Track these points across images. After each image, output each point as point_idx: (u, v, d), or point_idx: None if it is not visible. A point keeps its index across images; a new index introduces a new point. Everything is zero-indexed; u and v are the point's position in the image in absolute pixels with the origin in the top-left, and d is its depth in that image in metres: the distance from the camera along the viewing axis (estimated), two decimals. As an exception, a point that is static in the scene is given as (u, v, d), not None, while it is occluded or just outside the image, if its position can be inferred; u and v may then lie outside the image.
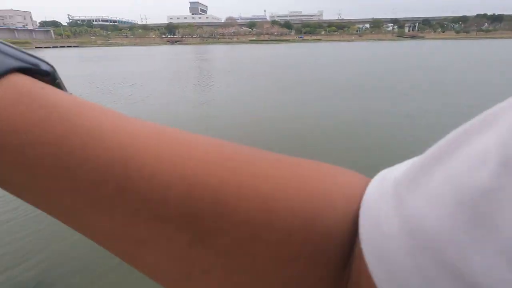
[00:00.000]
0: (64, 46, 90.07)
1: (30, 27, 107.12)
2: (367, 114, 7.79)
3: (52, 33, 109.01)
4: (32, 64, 0.15)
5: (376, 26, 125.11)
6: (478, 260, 0.09)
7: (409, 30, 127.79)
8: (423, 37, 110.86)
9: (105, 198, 0.14)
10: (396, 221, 0.12)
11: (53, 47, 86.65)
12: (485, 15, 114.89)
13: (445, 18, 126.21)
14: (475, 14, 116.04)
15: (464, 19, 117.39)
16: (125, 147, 0.14)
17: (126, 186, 0.13)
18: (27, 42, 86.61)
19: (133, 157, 0.14)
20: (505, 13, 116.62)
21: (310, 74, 17.56)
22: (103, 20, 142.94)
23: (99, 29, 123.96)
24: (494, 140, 0.11)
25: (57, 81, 0.17)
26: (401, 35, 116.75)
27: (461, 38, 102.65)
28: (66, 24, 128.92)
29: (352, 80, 14.46)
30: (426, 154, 0.13)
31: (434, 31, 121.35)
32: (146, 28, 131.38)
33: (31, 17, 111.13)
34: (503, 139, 0.10)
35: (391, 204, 0.13)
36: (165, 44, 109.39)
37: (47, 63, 0.17)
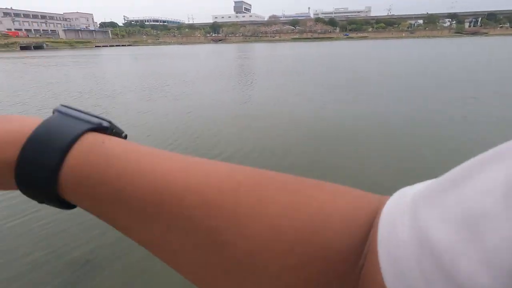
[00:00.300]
0: (119, 45, 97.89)
1: (91, 28, 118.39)
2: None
3: (110, 33, 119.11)
4: (96, 124, 0.23)
5: (431, 22, 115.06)
6: (465, 265, 0.13)
7: (469, 26, 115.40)
8: (486, 33, 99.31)
9: (147, 217, 0.20)
10: (410, 230, 0.15)
11: (110, 46, 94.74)
12: None
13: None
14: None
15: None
16: (160, 182, 0.20)
17: (161, 210, 0.19)
18: (88, 42, 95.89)
19: (166, 188, 0.20)
20: None
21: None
22: (154, 21, 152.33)
23: (150, 29, 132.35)
24: (504, 172, 0.13)
25: (114, 130, 0.24)
26: (459, 31, 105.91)
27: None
28: (122, 24, 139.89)
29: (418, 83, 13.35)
30: (443, 177, 0.16)
31: (501, 26, 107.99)
32: (192, 27, 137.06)
33: (92, 19, 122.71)
34: (510, 172, 0.13)
35: (407, 216, 0.15)
36: (209, 42, 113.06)
37: (106, 120, 0.24)
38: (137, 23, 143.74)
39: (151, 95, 10.70)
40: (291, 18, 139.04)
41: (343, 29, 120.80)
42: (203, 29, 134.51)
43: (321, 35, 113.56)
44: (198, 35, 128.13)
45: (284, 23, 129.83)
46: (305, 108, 8.22)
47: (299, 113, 7.55)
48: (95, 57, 41.31)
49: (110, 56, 43.05)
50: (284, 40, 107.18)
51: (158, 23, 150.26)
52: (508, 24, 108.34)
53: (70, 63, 28.69)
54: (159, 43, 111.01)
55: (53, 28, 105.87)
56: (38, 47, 75.13)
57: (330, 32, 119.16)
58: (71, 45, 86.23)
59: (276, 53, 39.78)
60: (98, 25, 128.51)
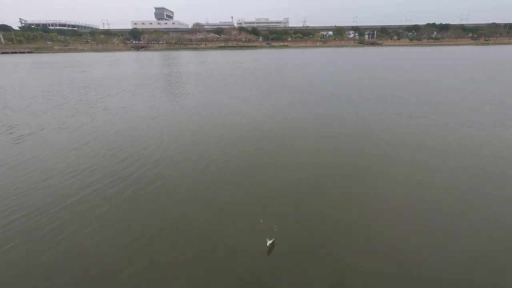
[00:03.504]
0: (16, 52, 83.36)
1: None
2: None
3: (1, 38, 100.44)
4: None
5: (339, 33, 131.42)
6: None
7: (368, 37, 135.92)
8: (381, 43, 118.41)
9: None
10: None
11: (3, 52, 79.84)
12: (434, 24, 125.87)
13: (400, 27, 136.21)
14: (425, 23, 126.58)
15: (416, 28, 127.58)
16: None
17: None
18: (-29, 48, 78.84)
19: None
20: (450, 22, 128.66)
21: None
22: (60, 25, 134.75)
23: (55, 34, 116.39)
24: None
25: None
26: (361, 42, 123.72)
27: (414, 45, 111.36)
28: (18, 28, 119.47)
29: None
30: None
31: (391, 39, 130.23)
32: (108, 33, 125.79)
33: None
34: None
35: None
36: (129, 50, 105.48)
37: None
38: (39, 27, 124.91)
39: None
40: (215, 26, 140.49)
41: (265, 38, 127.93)
42: (122, 35, 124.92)
43: (245, 44, 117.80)
44: (116, 42, 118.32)
45: (209, 31, 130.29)
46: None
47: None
48: (-19, 66, 34.49)
49: (4, 65, 36.47)
50: (210, 48, 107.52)
51: (65, 27, 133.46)
52: (396, 36, 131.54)
53: None
54: (69, 50, 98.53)
55: None
56: None
57: (254, 40, 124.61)
58: None
59: (208, 60, 39.70)
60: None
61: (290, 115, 8.99)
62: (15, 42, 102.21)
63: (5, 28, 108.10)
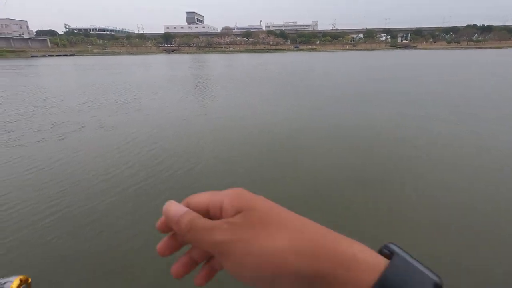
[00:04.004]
0: (60, 55, 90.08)
1: (26, 36, 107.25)
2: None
3: (48, 42, 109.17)
4: (437, 282, 0.26)
5: (370, 36, 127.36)
6: None
7: (401, 40, 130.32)
8: (415, 46, 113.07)
9: None
10: None
11: (49, 55, 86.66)
12: (475, 25, 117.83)
13: (437, 29, 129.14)
14: (465, 25, 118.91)
15: (455, 30, 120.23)
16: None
17: None
18: (22, 51, 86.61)
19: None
20: (494, 23, 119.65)
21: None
22: (100, 30, 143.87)
23: (95, 38, 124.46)
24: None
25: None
26: (394, 45, 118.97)
27: (452, 47, 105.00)
28: (62, 33, 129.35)
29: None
30: None
31: (426, 41, 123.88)
32: (143, 37, 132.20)
33: (27, 26, 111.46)
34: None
35: None
36: (161, 53, 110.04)
37: (436, 275, 0.26)
38: (81, 32, 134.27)
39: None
40: (243, 30, 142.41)
41: (293, 41, 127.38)
42: (155, 39, 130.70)
43: (273, 47, 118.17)
44: (150, 45, 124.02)
45: (237, 35, 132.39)
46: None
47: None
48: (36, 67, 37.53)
49: (49, 67, 39.51)
50: (238, 51, 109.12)
51: (104, 32, 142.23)
52: (432, 39, 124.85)
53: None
54: (107, 53, 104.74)
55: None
56: (-42, 56, 65.75)
57: (281, 44, 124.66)
58: (0, 54, 76.94)
59: (236, 63, 40.31)
60: (34, 33, 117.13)
61: (318, 117, 8.74)
62: (60, 45, 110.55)
63: (52, 33, 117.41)
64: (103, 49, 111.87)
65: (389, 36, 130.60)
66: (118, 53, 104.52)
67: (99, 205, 4.17)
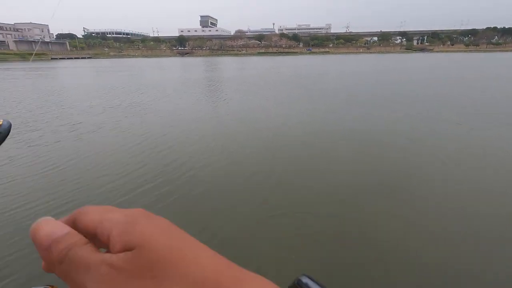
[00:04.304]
0: (78, 58, 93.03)
1: (47, 39, 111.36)
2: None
3: (68, 45, 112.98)
4: None
5: (385, 39, 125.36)
6: None
7: (417, 43, 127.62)
8: (432, 49, 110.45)
9: None
10: None
11: (67, 58, 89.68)
12: (495, 28, 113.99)
13: (454, 31, 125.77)
14: (484, 27, 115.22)
15: (473, 32, 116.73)
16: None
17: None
18: (43, 54, 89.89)
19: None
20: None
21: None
22: (116, 33, 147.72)
23: (112, 41, 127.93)
24: None
25: None
26: (409, 48, 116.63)
27: (470, 51, 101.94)
28: (81, 36, 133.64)
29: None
30: None
31: (443, 44, 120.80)
32: (157, 40, 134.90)
33: (48, 30, 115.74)
34: None
35: None
36: (175, 56, 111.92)
37: None
38: (98, 35, 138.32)
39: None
40: (256, 33, 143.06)
41: (306, 44, 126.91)
42: (169, 42, 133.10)
43: (286, 50, 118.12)
44: (164, 48, 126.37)
45: (250, 38, 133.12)
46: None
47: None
48: (55, 69, 38.87)
49: (67, 69, 40.83)
50: (250, 54, 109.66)
51: (121, 35, 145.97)
52: (449, 42, 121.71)
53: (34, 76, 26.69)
54: (122, 56, 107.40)
55: (2, 39, 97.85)
56: (-16, 59, 68.91)
57: (294, 47, 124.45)
58: (23, 57, 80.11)
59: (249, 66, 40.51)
60: (55, 37, 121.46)
61: (332, 121, 8.61)
62: (78, 48, 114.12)
63: (71, 36, 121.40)
64: (119, 52, 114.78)
65: (404, 39, 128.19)
66: (133, 56, 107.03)
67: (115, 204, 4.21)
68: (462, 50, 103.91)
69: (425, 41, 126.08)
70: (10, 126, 0.30)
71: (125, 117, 9.64)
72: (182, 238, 0.23)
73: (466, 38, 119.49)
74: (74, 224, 0.25)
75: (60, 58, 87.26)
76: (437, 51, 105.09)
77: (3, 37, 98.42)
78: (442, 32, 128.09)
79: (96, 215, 0.25)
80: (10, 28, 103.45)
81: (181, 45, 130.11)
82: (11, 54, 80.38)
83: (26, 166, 5.67)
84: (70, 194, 4.52)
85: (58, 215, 3.91)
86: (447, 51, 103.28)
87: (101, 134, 7.80)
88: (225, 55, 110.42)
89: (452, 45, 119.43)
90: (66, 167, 5.58)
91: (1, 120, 0.28)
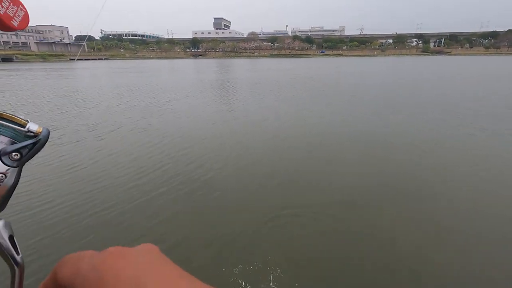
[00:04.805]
0: (95, 59, 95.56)
1: (66, 41, 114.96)
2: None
3: (85, 46, 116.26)
4: None
5: (400, 41, 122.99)
6: None
7: (434, 45, 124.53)
8: (449, 52, 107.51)
9: None
10: None
11: (85, 59, 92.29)
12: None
13: (473, 34, 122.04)
14: (506, 30, 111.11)
15: (494, 34, 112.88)
16: None
17: None
18: (62, 55, 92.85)
19: None
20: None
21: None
22: (132, 35, 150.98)
23: (128, 43, 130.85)
24: None
25: None
26: (425, 50, 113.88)
27: (490, 53, 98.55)
28: (99, 38, 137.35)
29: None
30: None
31: (462, 47, 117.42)
32: (171, 42, 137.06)
33: (67, 32, 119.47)
34: None
35: None
36: (188, 57, 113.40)
37: None
38: (115, 37, 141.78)
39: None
40: (269, 35, 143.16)
41: (319, 46, 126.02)
42: (183, 44, 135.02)
43: (298, 52, 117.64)
44: (178, 50, 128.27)
45: (263, 40, 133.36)
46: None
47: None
48: (72, 70, 39.98)
49: (85, 70, 41.94)
50: (263, 56, 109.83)
51: (136, 37, 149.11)
52: (468, 44, 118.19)
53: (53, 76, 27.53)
54: (138, 57, 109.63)
55: (24, 41, 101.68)
56: (7, 59, 71.73)
57: (307, 49, 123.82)
58: (43, 58, 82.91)
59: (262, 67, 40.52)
60: (74, 38, 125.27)
61: (345, 122, 8.37)
62: (95, 50, 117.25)
63: (88, 38, 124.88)
64: (135, 54, 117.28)
65: (420, 42, 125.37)
66: (148, 57, 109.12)
67: (131, 204, 4.16)
68: (481, 53, 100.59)
69: (442, 43, 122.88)
70: (48, 133, 0.31)
71: (144, 118, 9.69)
72: (155, 279, 0.24)
73: (486, 40, 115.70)
74: (55, 277, 0.28)
75: (77, 59, 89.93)
76: (455, 54, 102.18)
77: (25, 38, 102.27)
78: (461, 34, 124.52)
79: (69, 268, 0.27)
80: (32, 30, 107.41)
81: (194, 47, 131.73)
82: (32, 55, 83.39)
83: (48, 166, 5.72)
84: (91, 194, 4.50)
85: (80, 215, 3.88)
86: (465, 54, 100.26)
87: (121, 134, 7.84)
88: (237, 57, 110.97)
89: (471, 48, 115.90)
90: (87, 166, 5.60)
91: (41, 128, 0.30)
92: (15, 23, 0.36)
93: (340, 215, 3.91)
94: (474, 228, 3.57)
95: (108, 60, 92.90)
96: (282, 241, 3.39)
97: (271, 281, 2.80)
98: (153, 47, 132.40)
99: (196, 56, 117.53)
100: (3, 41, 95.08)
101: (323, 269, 2.98)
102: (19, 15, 0.37)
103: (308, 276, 2.87)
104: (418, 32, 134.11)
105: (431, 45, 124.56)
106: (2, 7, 0.35)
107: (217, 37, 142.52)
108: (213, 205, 4.22)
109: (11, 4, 0.36)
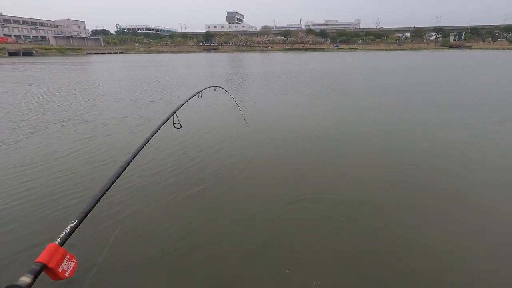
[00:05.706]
0: (111, 53, 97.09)
1: (83, 35, 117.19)
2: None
3: (102, 40, 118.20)
4: None
5: (418, 35, 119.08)
6: None
7: (454, 39, 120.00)
8: (470, 46, 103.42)
9: None
10: None
11: (101, 53, 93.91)
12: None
13: (497, 27, 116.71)
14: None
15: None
16: None
17: None
18: (79, 49, 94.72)
19: None
20: None
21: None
22: (146, 29, 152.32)
23: (142, 37, 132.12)
24: None
25: None
26: (445, 45, 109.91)
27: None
28: (114, 32, 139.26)
29: None
30: None
31: (483, 41, 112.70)
32: (185, 36, 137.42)
33: (84, 26, 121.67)
34: None
35: None
36: (201, 51, 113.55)
37: None
38: (130, 31, 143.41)
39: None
40: (283, 29, 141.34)
41: (334, 40, 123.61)
42: (196, 38, 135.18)
43: (312, 46, 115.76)
44: (191, 44, 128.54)
45: (276, 34, 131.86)
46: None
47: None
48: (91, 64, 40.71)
49: (101, 64, 42.68)
50: (275, 50, 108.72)
51: (150, 31, 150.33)
52: (490, 38, 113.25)
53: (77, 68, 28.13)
54: (152, 51, 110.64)
55: (43, 35, 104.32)
56: (28, 53, 73.83)
57: (321, 43, 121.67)
58: (61, 51, 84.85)
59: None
60: (90, 33, 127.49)
61: (364, 118, 8.20)
62: (111, 44, 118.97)
63: (104, 32, 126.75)
64: (149, 48, 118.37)
65: (440, 35, 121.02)
66: (162, 51, 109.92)
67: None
68: (506, 47, 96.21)
69: (463, 37, 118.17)
70: None
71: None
72: None
73: (511, 34, 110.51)
74: None
75: (94, 53, 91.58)
76: (476, 48, 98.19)
77: (44, 33, 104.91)
78: (483, 27, 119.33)
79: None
80: (50, 24, 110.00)
81: (207, 41, 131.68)
82: (51, 49, 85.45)
83: (84, 159, 5.87)
84: (127, 188, 4.59)
85: (115, 206, 3.96)
86: (487, 48, 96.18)
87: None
88: (250, 51, 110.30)
89: (494, 41, 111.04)
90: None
91: None
92: (66, 274, 0.42)
93: (368, 212, 3.84)
94: (505, 231, 3.44)
95: (123, 54, 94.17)
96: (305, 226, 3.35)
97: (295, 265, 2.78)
98: (166, 41, 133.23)
99: (209, 50, 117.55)
100: (23, 35, 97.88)
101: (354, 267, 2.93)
102: (70, 266, 0.43)
103: (341, 272, 2.84)
104: (438, 25, 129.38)
105: (451, 39, 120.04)
106: (62, 266, 0.41)
107: (230, 31, 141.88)
108: (240, 205, 4.22)
109: (68, 260, 0.42)
